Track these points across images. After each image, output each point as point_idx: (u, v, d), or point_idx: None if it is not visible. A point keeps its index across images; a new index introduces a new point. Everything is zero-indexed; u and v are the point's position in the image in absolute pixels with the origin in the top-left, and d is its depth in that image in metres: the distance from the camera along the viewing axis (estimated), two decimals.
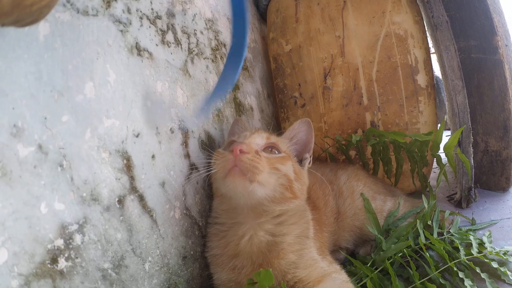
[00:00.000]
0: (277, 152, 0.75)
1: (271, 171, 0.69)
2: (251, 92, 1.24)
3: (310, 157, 0.84)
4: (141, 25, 0.71)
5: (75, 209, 0.53)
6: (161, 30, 0.78)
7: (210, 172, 0.72)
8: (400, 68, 1.20)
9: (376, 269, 0.82)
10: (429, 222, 0.94)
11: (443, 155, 1.01)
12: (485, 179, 1.32)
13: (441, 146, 1.01)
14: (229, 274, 0.71)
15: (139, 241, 0.64)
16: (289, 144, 0.82)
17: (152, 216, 0.68)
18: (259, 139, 0.75)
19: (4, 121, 0.45)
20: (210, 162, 0.73)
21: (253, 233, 0.72)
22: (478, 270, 0.78)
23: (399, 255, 0.84)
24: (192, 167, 0.81)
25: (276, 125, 1.45)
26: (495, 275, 0.79)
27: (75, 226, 0.53)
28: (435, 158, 1.04)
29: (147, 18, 0.74)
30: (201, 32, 0.95)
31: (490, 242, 0.89)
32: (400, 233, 0.89)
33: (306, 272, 0.69)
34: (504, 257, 0.83)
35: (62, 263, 0.50)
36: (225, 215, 0.76)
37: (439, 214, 0.97)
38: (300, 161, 0.82)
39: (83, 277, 0.53)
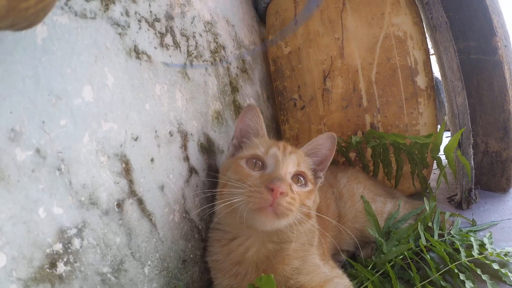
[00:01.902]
0: (303, 181, 0.73)
1: (299, 207, 0.68)
2: (250, 95, 1.24)
3: (323, 175, 0.82)
4: (140, 28, 0.71)
5: (73, 213, 0.53)
6: (159, 32, 0.77)
7: (233, 201, 0.65)
8: (399, 69, 1.20)
9: (377, 271, 0.82)
10: (430, 224, 0.94)
11: (443, 157, 1.01)
12: (485, 180, 1.31)
13: (441, 147, 1.01)
14: (231, 280, 0.71)
15: (138, 245, 0.64)
16: (308, 160, 0.80)
17: (151, 219, 0.68)
18: (291, 167, 0.72)
19: (1, 125, 0.45)
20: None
21: (261, 245, 0.71)
22: (479, 271, 0.78)
23: (400, 257, 0.83)
24: (192, 170, 0.81)
25: (276, 128, 1.45)
26: (496, 277, 0.79)
27: (74, 230, 0.52)
28: (435, 160, 1.04)
29: (146, 21, 0.74)
30: (200, 35, 0.95)
31: (491, 243, 0.89)
32: (401, 235, 0.89)
33: (309, 278, 0.69)
34: (505, 258, 0.82)
35: (61, 268, 0.50)
36: (231, 226, 0.74)
37: (439, 216, 0.97)
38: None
39: (82, 281, 0.52)
